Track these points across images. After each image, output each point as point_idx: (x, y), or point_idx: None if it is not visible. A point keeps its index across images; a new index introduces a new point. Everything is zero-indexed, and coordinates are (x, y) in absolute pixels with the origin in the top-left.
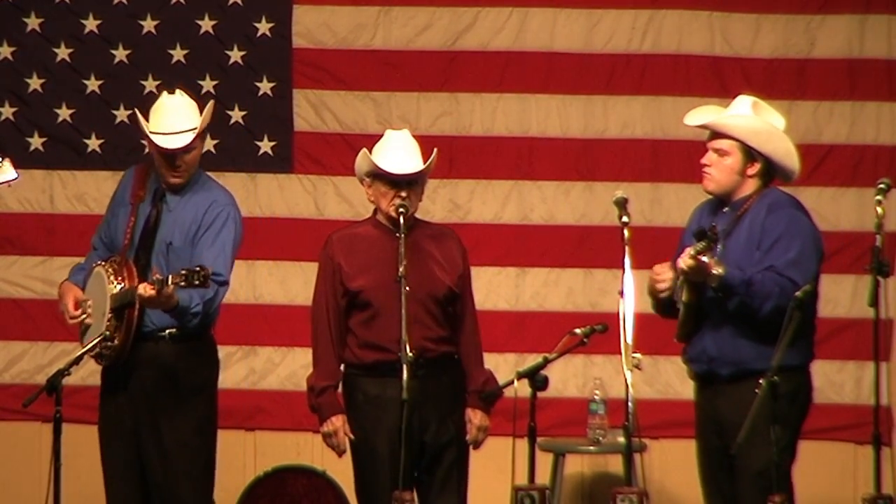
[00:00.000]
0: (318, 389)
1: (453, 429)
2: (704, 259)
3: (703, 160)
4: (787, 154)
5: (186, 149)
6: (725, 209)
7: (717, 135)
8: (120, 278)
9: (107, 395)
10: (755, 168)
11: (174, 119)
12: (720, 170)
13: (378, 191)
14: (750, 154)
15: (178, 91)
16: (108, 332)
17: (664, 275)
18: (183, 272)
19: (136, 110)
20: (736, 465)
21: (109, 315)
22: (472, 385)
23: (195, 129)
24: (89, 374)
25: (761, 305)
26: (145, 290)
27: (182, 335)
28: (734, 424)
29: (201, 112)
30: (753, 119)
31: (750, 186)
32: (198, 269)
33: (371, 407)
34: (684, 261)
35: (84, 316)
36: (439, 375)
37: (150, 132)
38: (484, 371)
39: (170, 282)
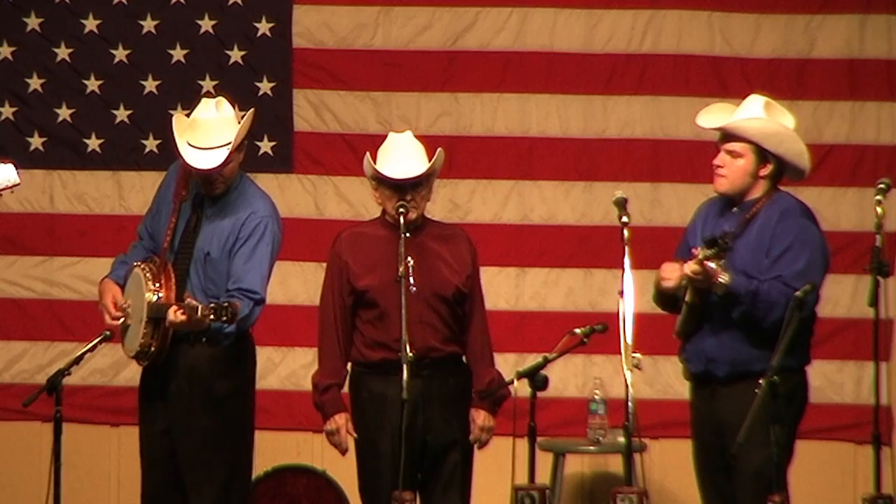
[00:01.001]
0: (322, 387)
1: (458, 429)
2: (712, 265)
3: (716, 161)
4: (799, 155)
5: (217, 170)
6: (734, 209)
7: (729, 136)
8: (157, 284)
9: (144, 396)
10: (767, 169)
11: (208, 135)
12: (733, 171)
13: (383, 194)
14: (763, 156)
15: (217, 99)
16: (107, 333)
17: (672, 273)
18: (213, 306)
19: (175, 114)
20: (734, 465)
21: (146, 322)
22: (477, 385)
23: (229, 144)
24: (89, 373)
25: (765, 316)
26: (176, 315)
27: (218, 339)
28: (733, 425)
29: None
30: (767, 121)
31: (761, 188)
32: (226, 305)
33: (375, 405)
34: (690, 267)
35: (124, 318)
36: (445, 375)
37: (185, 142)
38: (491, 371)
39: (199, 313)
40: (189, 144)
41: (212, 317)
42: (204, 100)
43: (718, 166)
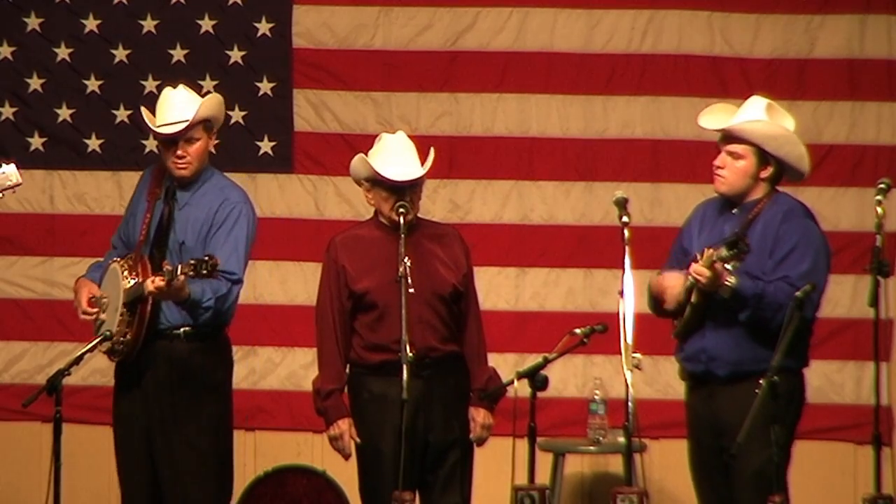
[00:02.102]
0: (324, 393)
1: (458, 428)
2: (728, 266)
3: (716, 162)
4: (799, 158)
5: (180, 134)
6: (734, 211)
7: (731, 138)
8: (134, 274)
9: (120, 392)
10: (768, 171)
11: (173, 110)
12: (733, 172)
13: (379, 196)
14: (764, 158)
15: (180, 86)
16: (108, 333)
17: (675, 291)
18: (192, 262)
19: (144, 108)
20: (733, 466)
21: (122, 310)
22: (475, 383)
23: (189, 119)
24: (89, 373)
25: (772, 317)
26: (153, 282)
27: (197, 334)
28: (733, 425)
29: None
30: (769, 124)
31: (761, 189)
32: (206, 258)
33: (376, 406)
34: (698, 270)
35: (97, 312)
36: (445, 375)
37: (156, 124)
38: (487, 369)
39: (179, 272)
40: (160, 125)
41: (192, 273)
42: (168, 87)
43: (719, 167)
